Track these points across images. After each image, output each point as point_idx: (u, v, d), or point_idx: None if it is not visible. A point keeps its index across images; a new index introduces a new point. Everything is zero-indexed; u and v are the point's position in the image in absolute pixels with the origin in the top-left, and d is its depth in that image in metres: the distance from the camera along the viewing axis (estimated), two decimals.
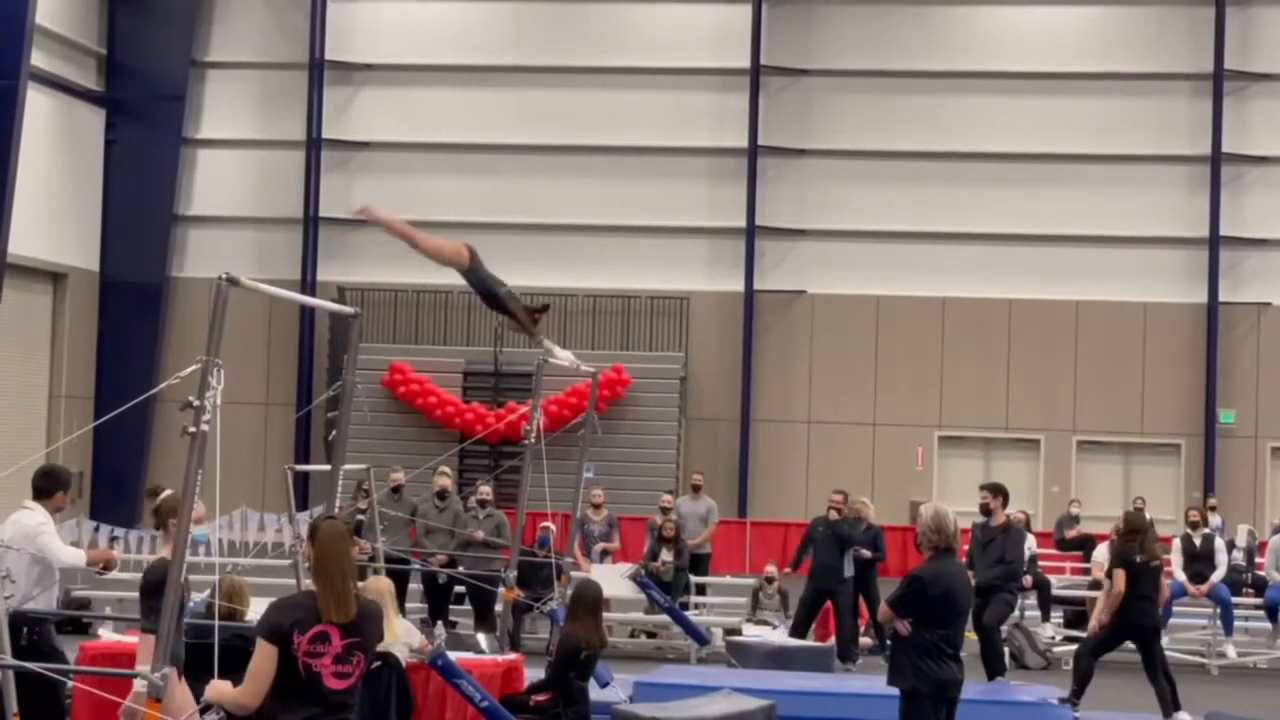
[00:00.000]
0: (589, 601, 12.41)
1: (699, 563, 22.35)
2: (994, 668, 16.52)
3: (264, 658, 6.67)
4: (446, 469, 20.37)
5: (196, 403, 7.77)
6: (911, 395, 36.57)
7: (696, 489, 23.41)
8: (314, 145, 38.05)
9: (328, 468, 11.77)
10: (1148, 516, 17.64)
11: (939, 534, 10.09)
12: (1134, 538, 15.01)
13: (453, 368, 36.93)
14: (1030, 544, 21.27)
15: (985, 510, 17.01)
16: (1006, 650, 18.55)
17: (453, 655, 12.10)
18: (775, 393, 36.46)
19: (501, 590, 15.86)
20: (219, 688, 6.94)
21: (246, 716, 6.80)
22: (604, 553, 21.95)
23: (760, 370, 36.94)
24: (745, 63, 37.10)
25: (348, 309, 11.82)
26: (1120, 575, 14.70)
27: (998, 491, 17.06)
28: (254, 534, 31.33)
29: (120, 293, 37.24)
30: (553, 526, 19.14)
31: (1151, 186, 36.32)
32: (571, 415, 29.46)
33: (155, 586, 8.86)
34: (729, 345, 36.72)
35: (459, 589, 19.52)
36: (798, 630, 19.02)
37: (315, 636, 6.68)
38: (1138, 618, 14.68)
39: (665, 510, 21.85)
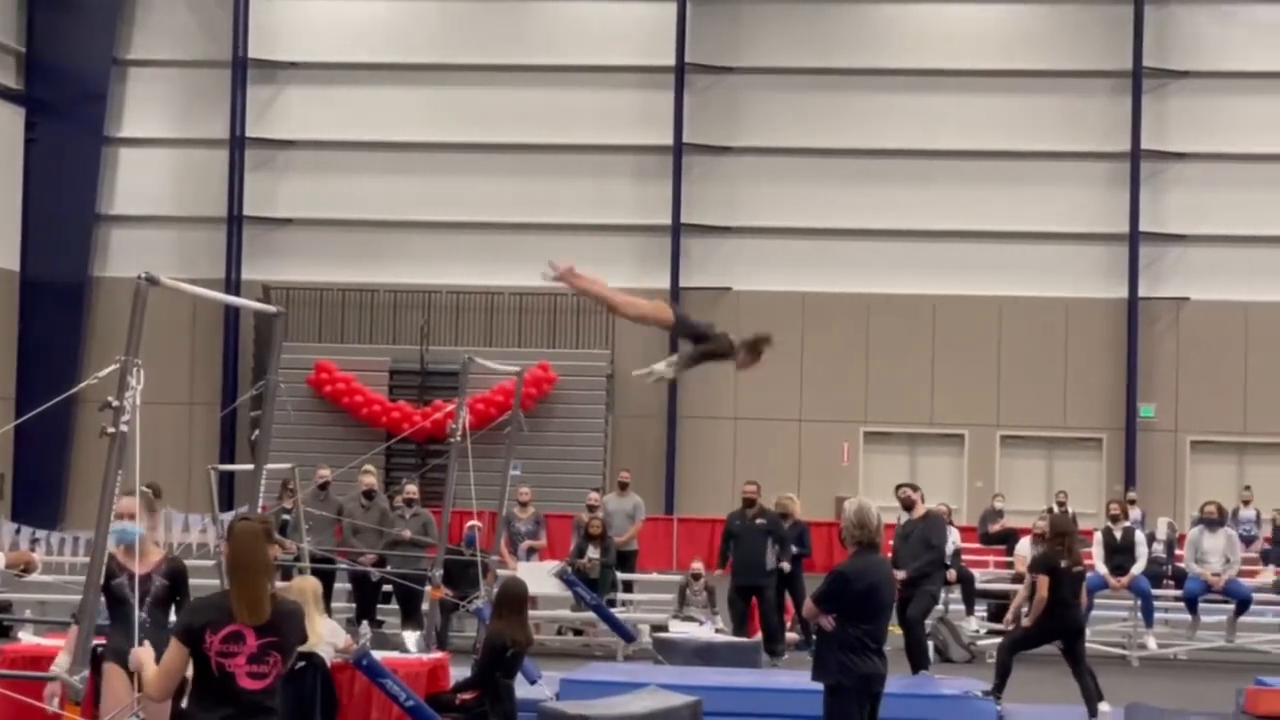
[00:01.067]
0: (514, 599, 12.35)
1: (626, 560, 22.36)
2: (918, 661, 16.62)
3: (174, 656, 6.73)
4: (371, 468, 20.26)
5: (115, 403, 7.71)
6: (837, 392, 36.67)
7: (623, 486, 23.40)
8: (238, 144, 37.81)
9: (251, 467, 11.74)
10: (1071, 513, 17.84)
11: (862, 529, 10.09)
12: (1061, 541, 15.05)
13: (379, 366, 36.83)
14: (954, 538, 21.44)
15: (907, 504, 17.19)
16: (931, 644, 18.59)
17: (378, 654, 12.05)
18: (702, 390, 36.40)
19: (428, 589, 15.88)
20: (141, 656, 7.03)
21: (172, 713, 6.82)
22: (531, 550, 21.91)
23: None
24: (671, 60, 37.13)
25: (270, 307, 11.78)
26: (1044, 581, 14.72)
27: (914, 489, 17.38)
28: (178, 535, 31.03)
29: (42, 293, 36.93)
30: (479, 524, 19.07)
31: (1073, 183, 36.58)
32: (498, 413, 29.33)
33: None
34: (655, 343, 35.76)
35: (386, 588, 19.48)
36: (739, 631, 19.03)
37: (228, 636, 6.68)
38: (1062, 621, 14.76)
39: (592, 508, 21.79)
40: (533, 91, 37.34)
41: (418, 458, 34.40)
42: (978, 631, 21.18)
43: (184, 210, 37.88)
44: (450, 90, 37.52)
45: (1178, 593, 21.31)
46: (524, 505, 22.24)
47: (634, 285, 36.73)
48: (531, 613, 20.74)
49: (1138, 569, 20.36)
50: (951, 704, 13.28)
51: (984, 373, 36.49)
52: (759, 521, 19.39)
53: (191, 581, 9.44)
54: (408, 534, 19.27)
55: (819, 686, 10.09)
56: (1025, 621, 15.27)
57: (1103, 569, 20.17)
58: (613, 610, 19.77)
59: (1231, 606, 20.61)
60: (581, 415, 36.18)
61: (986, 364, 36.48)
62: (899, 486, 17.56)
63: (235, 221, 37.79)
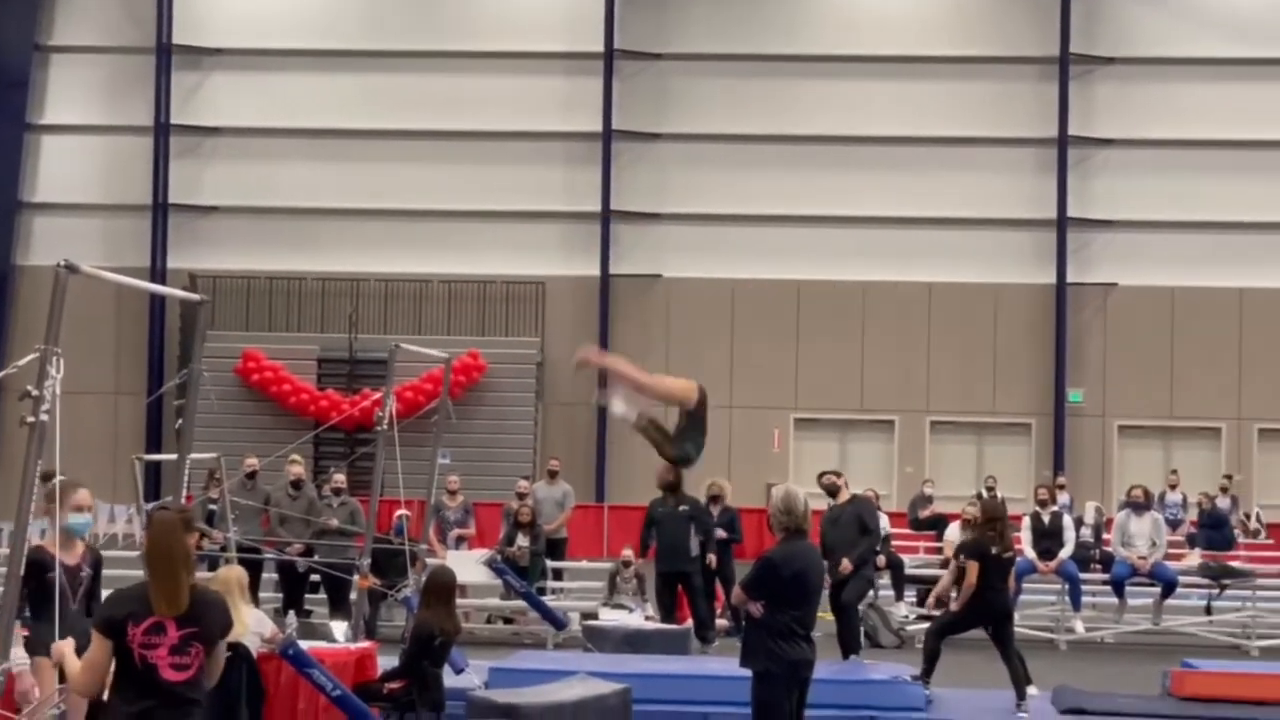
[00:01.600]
0: (442, 588, 12.34)
1: (555, 547, 22.32)
2: (849, 646, 16.56)
3: (98, 650, 6.71)
4: (298, 457, 20.18)
5: (35, 392, 7.63)
6: (768, 378, 36.68)
7: (553, 474, 23.31)
8: (162, 130, 37.54)
9: (176, 457, 11.64)
10: (1000, 498, 17.80)
11: (789, 515, 10.07)
12: (992, 526, 15.00)
13: (307, 355, 36.74)
14: (884, 524, 21.47)
15: (831, 490, 17.22)
16: (861, 629, 18.42)
17: (305, 644, 12.02)
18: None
19: (356, 578, 15.81)
20: (62, 649, 7.00)
21: (93, 704, 6.76)
22: (460, 539, 21.86)
23: (617, 354, 36.38)
24: (599, 46, 37.08)
25: (194, 295, 11.70)
26: (974, 567, 14.67)
27: (838, 475, 17.32)
28: (104, 525, 31.04)
29: None
30: (408, 513, 19.03)
31: (1000, 169, 36.70)
32: (427, 401, 29.37)
33: None
34: (585, 330, 36.54)
35: (314, 578, 19.27)
36: (668, 619, 18.94)
37: (150, 628, 6.67)
38: (990, 605, 14.74)
39: (522, 496, 21.69)
40: (461, 78, 37.19)
41: (346, 446, 34.29)
42: (907, 617, 21.25)
43: (108, 198, 37.64)
44: (377, 76, 37.39)
45: (1105, 576, 21.35)
46: (453, 494, 22.17)
47: (564, 273, 37.10)
48: (460, 601, 20.31)
49: (1065, 553, 20.44)
50: (881, 689, 13.28)
51: (914, 359, 36.69)
52: (681, 508, 19.21)
53: (117, 572, 9.39)
54: (335, 523, 19.18)
55: (748, 673, 10.09)
56: (953, 606, 15.31)
57: (1031, 553, 20.23)
58: (542, 598, 19.74)
59: (1158, 590, 20.78)
60: (511, 403, 36.18)
61: (916, 350, 36.65)
62: (822, 474, 17.52)
63: (160, 209, 37.52)
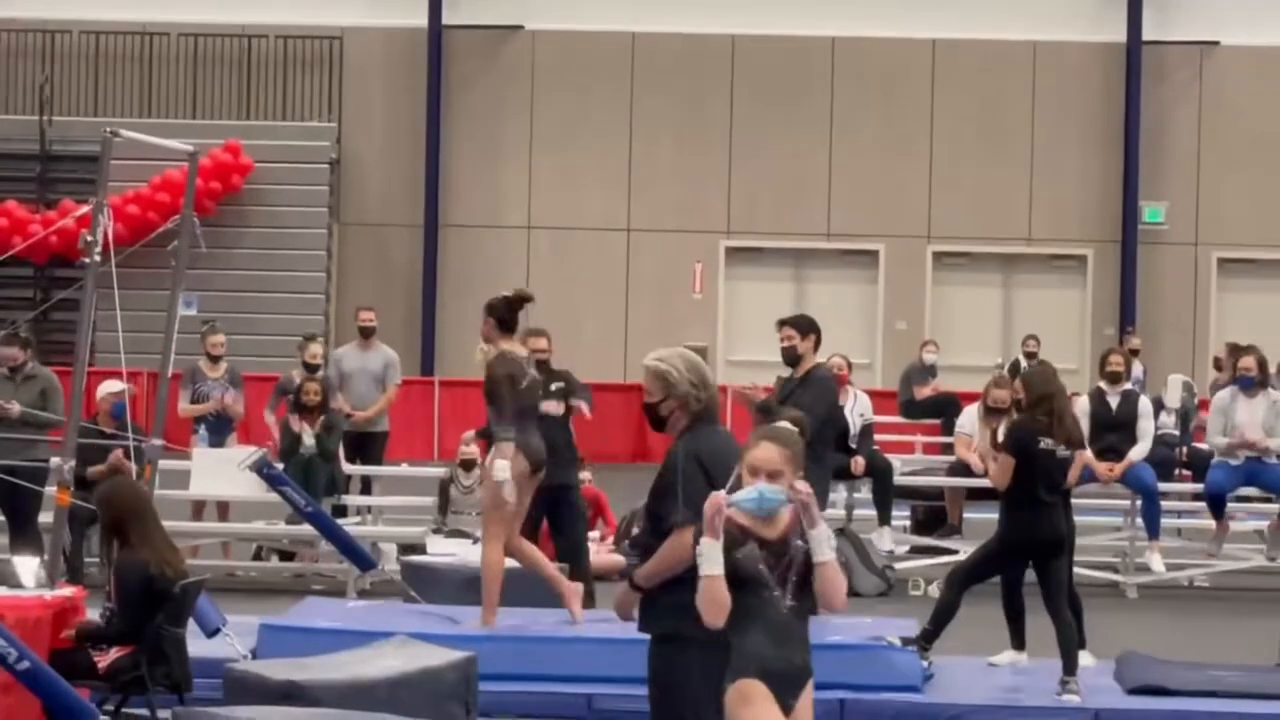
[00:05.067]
0: (132, 508, 12.73)
1: (368, 445, 22.52)
2: None
3: None
4: None
5: None
6: (687, 186, 36.93)
7: (366, 333, 23.45)
8: None
9: None
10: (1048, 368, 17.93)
11: (704, 388, 10.06)
12: (1045, 407, 14.90)
13: None
14: (862, 408, 21.51)
15: (791, 356, 17.14)
16: None
17: None
18: (477, 184, 36.79)
19: (51, 491, 15.77)
20: None
21: None
22: (217, 422, 21.87)
23: (455, 149, 37.18)
24: None
25: None
26: (1009, 465, 14.67)
27: (806, 329, 17.00)
28: None
29: None
30: (132, 388, 19.24)
31: None
32: (160, 220, 27.33)
33: None
34: (405, 111, 37.06)
35: None
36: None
37: None
38: (1038, 530, 14.70)
39: (312, 367, 21.71)
40: None
41: (36, 287, 34.54)
42: (891, 552, 21.32)
43: None
44: None
45: (1196, 488, 21.55)
46: (215, 359, 22.30)
47: (372, 23, 36.98)
48: (218, 526, 20.83)
49: (1139, 453, 20.55)
50: (855, 658, 13.44)
51: (909, 157, 36.85)
52: (553, 388, 18.75)
53: None
54: (16, 408, 18.72)
55: (641, 638, 10.12)
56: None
57: (1087, 454, 20.31)
58: (341, 522, 19.58)
59: (1277, 508, 20.93)
60: (292, 223, 36.38)
61: (913, 143, 36.83)
62: (782, 323, 17.30)
63: None
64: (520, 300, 14.77)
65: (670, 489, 9.98)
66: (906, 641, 14.00)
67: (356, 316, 24.42)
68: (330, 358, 22.89)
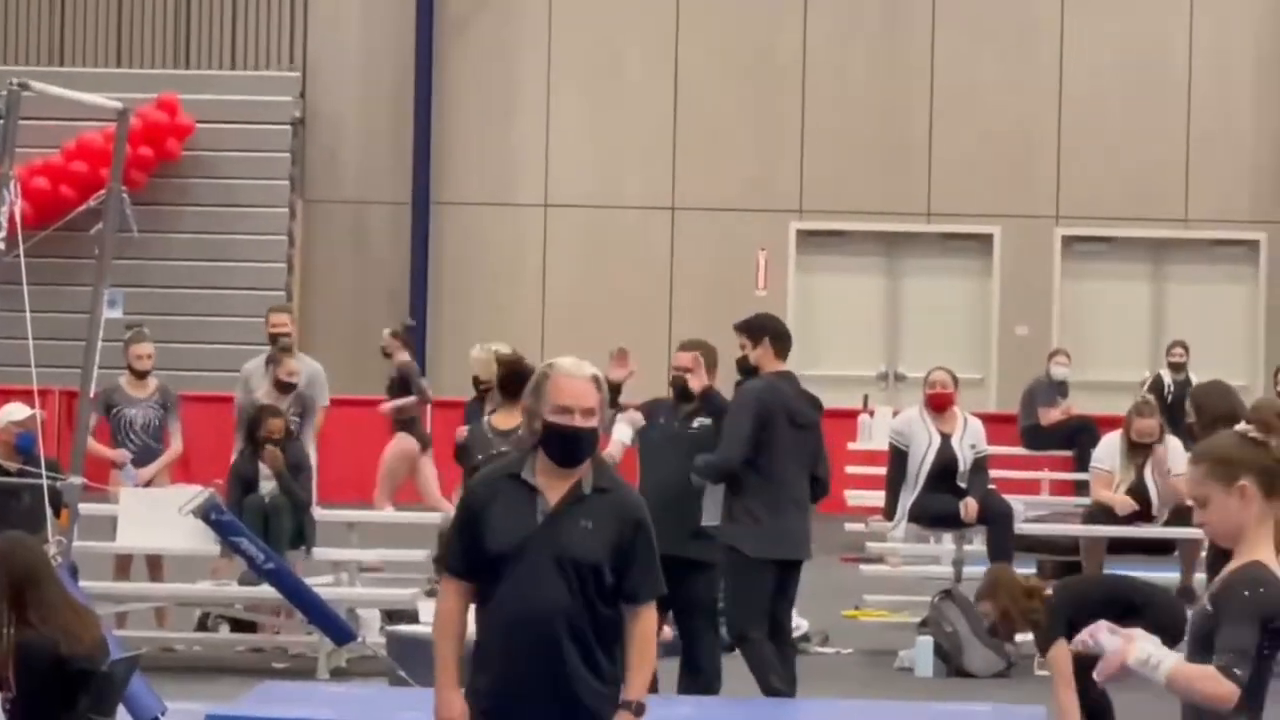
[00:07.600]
0: (27, 574, 12.87)
1: None
2: (767, 684, 17.30)
3: None
4: None
5: None
6: (748, 153, 37.34)
7: (284, 347, 24.02)
8: None
9: None
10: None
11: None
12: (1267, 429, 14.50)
13: None
14: (973, 437, 22.29)
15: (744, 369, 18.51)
16: (932, 640, 20.66)
17: None
18: (479, 151, 37.57)
19: None
20: None
21: None
22: (138, 456, 22.72)
23: (450, 106, 37.86)
24: None
25: None
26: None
27: (757, 332, 18.62)
28: None
29: None
30: (40, 412, 19.37)
31: None
32: (78, 197, 28.88)
33: None
34: (388, 58, 38.04)
35: None
36: None
37: None
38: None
39: (285, 386, 22.43)
40: None
41: None
42: None
43: None
44: None
45: None
46: (141, 375, 22.96)
47: None
48: (150, 587, 21.98)
49: None
50: None
51: (1031, 118, 37.20)
52: (698, 423, 18.97)
53: None
54: None
55: None
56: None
57: None
58: (310, 583, 20.20)
59: None
60: (246, 199, 37.34)
61: (1037, 101, 37.18)
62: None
63: None
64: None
65: None
66: None
67: (267, 321, 25.59)
68: (240, 376, 23.67)
